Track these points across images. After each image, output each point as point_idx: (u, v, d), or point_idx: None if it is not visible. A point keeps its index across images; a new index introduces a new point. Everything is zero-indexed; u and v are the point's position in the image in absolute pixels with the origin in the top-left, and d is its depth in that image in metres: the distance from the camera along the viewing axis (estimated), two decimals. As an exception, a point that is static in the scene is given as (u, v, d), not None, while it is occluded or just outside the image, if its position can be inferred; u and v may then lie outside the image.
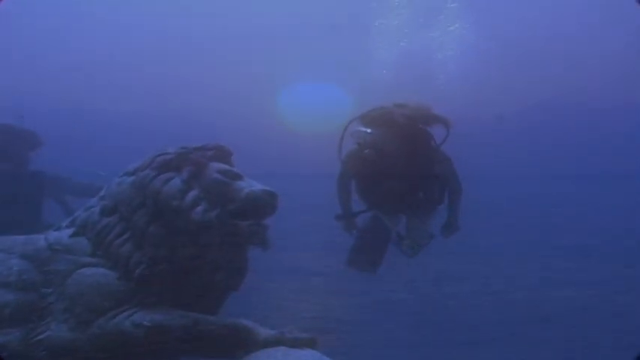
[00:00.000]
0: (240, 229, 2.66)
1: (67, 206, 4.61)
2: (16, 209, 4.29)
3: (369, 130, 3.78)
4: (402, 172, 3.80)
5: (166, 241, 2.65)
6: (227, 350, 2.53)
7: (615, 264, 6.82)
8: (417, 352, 4.23)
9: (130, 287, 2.56)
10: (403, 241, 3.97)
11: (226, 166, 2.79)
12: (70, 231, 2.76)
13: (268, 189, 2.69)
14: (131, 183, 2.77)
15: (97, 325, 2.44)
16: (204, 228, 2.63)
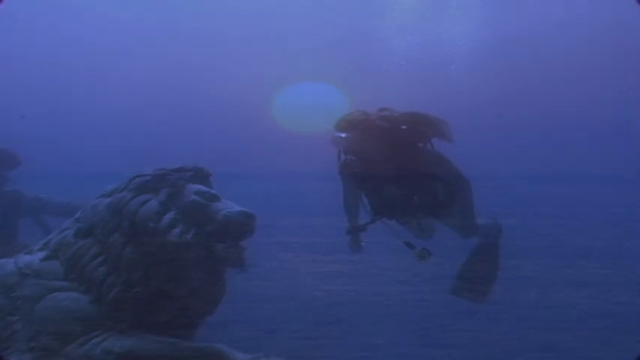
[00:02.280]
0: (217, 251, 2.63)
1: (45, 226, 4.54)
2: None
3: (343, 135, 3.60)
4: (388, 176, 3.62)
5: (142, 263, 2.61)
6: (201, 375, 2.48)
7: (616, 264, 6.85)
8: (416, 353, 4.14)
9: (103, 312, 2.51)
10: (412, 250, 3.73)
11: (204, 188, 2.77)
12: (43, 254, 2.70)
13: (245, 210, 2.67)
14: (107, 205, 2.74)
15: (64, 353, 2.38)
16: (181, 250, 2.60)
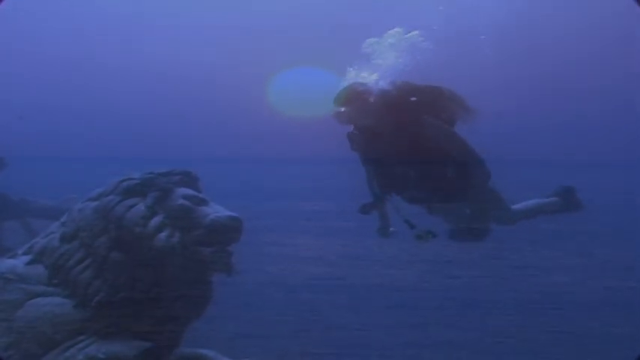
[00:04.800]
0: (204, 256, 2.62)
1: (30, 229, 4.48)
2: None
3: (342, 109, 3.44)
4: (390, 152, 3.41)
5: (128, 268, 2.59)
6: (187, 382, 2.46)
7: (617, 254, 6.84)
8: (407, 338, 4.09)
9: (87, 317, 2.47)
10: (413, 229, 3.54)
11: (192, 192, 2.76)
12: (27, 258, 2.66)
13: (233, 215, 2.66)
14: (94, 208, 2.72)
15: (45, 359, 2.34)
16: (167, 254, 2.59)
